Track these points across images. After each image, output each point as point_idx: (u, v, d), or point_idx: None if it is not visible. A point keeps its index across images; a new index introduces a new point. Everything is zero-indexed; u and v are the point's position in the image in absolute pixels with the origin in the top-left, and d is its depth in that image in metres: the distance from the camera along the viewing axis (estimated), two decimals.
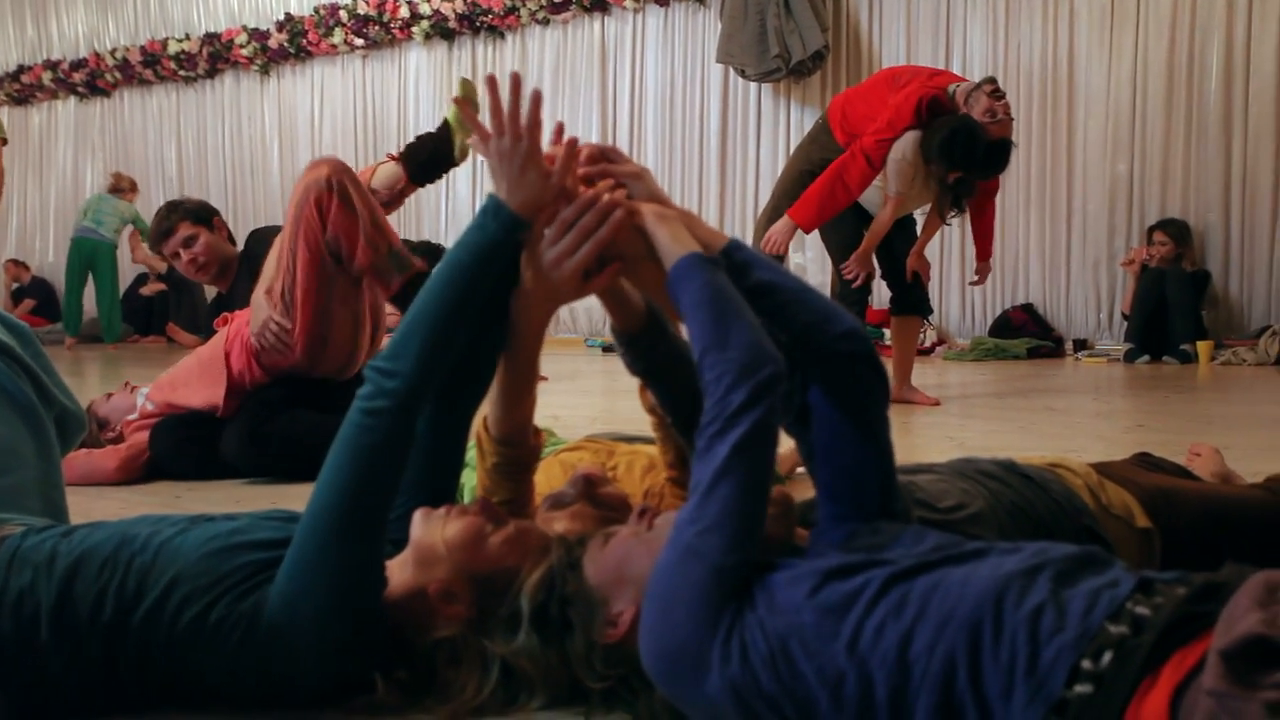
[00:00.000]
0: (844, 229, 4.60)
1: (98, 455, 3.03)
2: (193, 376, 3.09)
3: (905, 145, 4.30)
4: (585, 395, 5.32)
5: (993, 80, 4.87)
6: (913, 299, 4.74)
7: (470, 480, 1.76)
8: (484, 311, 1.46)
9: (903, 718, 1.01)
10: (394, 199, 3.37)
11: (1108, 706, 0.91)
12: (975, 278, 5.10)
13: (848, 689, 1.04)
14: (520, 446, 1.60)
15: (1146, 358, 6.80)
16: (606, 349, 7.88)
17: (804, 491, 2.63)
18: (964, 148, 4.27)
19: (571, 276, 1.43)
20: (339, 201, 2.81)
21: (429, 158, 3.37)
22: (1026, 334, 7.53)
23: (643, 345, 1.53)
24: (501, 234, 1.41)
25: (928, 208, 4.85)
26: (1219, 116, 7.15)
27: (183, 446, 3.02)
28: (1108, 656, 0.94)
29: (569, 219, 1.42)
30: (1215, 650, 0.84)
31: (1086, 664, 0.94)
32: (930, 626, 1.03)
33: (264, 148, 11.16)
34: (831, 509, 1.28)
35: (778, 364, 1.20)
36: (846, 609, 1.07)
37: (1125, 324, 7.18)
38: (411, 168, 3.34)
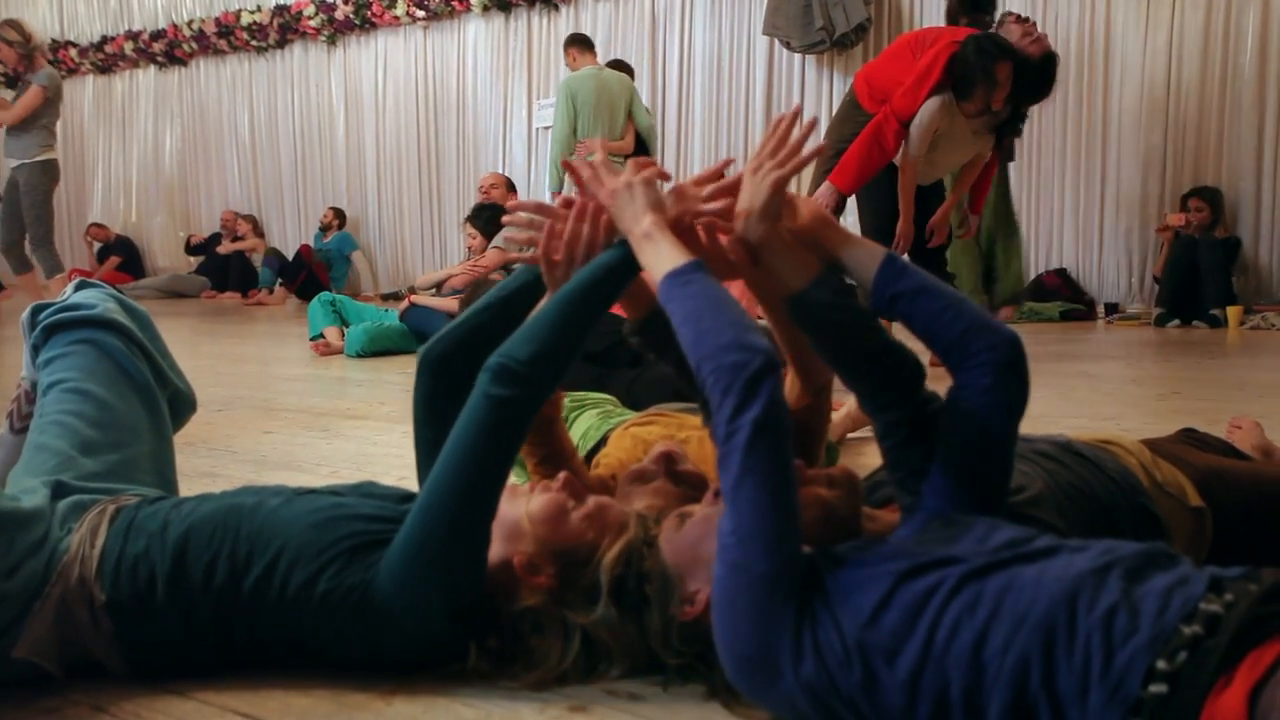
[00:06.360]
0: (878, 202, 4.45)
1: None
2: None
3: (928, 109, 4.13)
4: None
5: (1010, 12, 4.65)
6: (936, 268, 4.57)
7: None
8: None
9: (976, 716, 1.00)
10: None
11: (1185, 706, 0.89)
12: (961, 231, 4.89)
13: (923, 688, 1.02)
14: None
15: (1177, 322, 6.67)
16: None
17: (853, 458, 2.61)
18: (994, 44, 4.07)
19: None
20: None
21: None
22: (1059, 298, 7.41)
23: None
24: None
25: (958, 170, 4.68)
26: (1253, 88, 6.95)
27: None
28: (1182, 656, 0.92)
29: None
30: None
31: (1161, 664, 0.92)
32: (1004, 627, 1.01)
33: (330, 115, 11.15)
34: (932, 504, 1.24)
35: (765, 352, 1.14)
36: (921, 609, 1.06)
37: (1156, 288, 7.03)
38: None
